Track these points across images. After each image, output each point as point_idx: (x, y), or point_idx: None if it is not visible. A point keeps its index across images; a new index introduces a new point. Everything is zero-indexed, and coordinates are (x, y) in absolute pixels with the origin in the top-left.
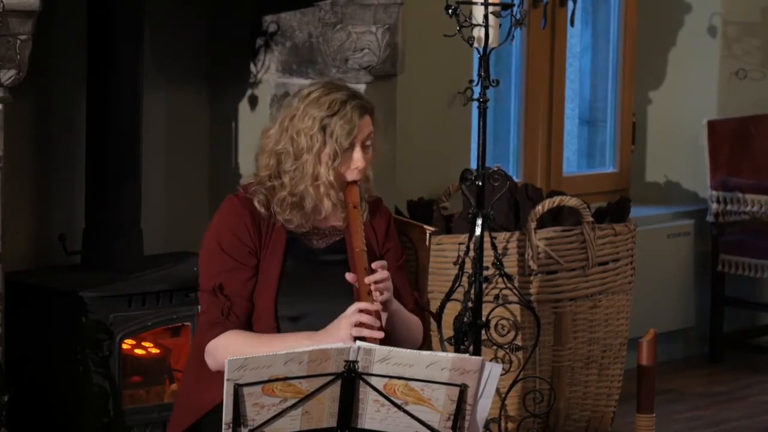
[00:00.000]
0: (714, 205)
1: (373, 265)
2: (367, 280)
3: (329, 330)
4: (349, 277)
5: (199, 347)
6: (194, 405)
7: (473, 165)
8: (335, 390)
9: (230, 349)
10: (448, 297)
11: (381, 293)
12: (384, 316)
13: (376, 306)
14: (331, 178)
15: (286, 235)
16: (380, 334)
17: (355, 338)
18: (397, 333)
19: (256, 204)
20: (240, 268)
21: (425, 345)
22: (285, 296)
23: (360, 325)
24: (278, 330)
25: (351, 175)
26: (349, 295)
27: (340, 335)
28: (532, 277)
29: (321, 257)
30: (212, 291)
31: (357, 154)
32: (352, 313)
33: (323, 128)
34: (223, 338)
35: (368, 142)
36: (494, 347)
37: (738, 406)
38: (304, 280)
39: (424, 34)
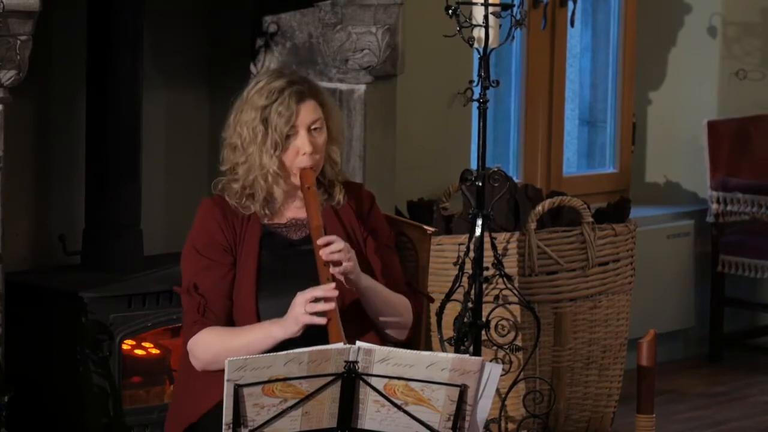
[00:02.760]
0: (714, 206)
1: (323, 239)
2: (322, 252)
3: (289, 311)
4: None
5: (185, 351)
6: (186, 412)
7: (473, 165)
8: (335, 390)
9: (207, 346)
10: (448, 297)
11: (339, 264)
12: (359, 290)
13: (331, 285)
14: (275, 167)
15: (261, 229)
16: (331, 305)
17: (310, 313)
18: (374, 309)
19: (227, 198)
20: (213, 266)
21: (418, 335)
22: (264, 290)
23: (315, 300)
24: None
25: (301, 162)
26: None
27: (295, 313)
28: (532, 278)
29: (299, 248)
30: (187, 291)
31: (301, 140)
32: (307, 290)
33: (264, 119)
34: (200, 335)
35: (315, 126)
36: (494, 348)
37: (738, 406)
38: (283, 271)
39: (424, 34)
